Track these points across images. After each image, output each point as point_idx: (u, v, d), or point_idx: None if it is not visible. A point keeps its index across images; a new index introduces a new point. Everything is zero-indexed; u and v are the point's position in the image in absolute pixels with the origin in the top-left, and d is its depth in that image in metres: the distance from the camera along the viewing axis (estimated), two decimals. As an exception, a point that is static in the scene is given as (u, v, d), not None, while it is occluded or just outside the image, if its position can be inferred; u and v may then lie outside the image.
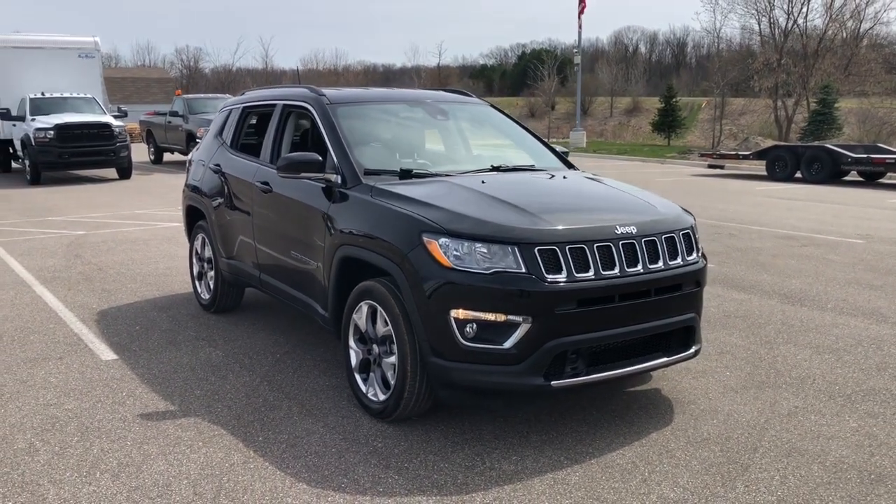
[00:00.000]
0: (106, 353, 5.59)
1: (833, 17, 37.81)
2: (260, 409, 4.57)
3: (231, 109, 6.61)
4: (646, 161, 27.25)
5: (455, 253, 3.91)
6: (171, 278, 7.99)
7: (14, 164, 20.45)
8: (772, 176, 19.97)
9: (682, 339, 4.41)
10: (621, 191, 4.83)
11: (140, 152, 25.20)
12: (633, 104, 67.91)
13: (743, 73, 40.29)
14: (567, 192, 4.77)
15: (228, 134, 6.44)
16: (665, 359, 4.32)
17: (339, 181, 4.73)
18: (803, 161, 19.34)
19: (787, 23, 39.18)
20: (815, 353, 5.62)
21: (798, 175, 19.53)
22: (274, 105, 5.83)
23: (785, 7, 38.96)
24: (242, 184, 5.87)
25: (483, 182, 4.59)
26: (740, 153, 22.82)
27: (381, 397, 4.32)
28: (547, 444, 4.12)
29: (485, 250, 3.89)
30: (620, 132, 54.25)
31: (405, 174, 4.72)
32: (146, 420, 4.42)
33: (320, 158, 4.79)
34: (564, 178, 5.03)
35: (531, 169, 5.22)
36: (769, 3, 39.11)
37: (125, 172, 19.01)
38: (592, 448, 4.07)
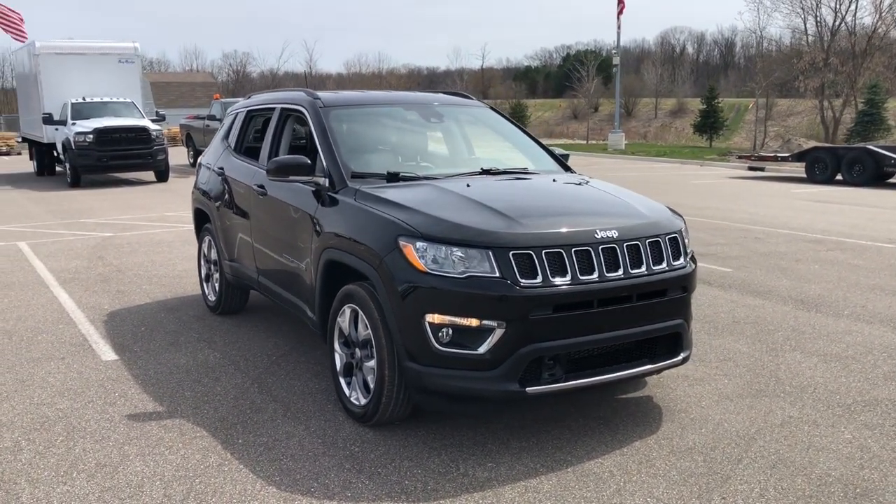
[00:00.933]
0: (107, 354, 5.68)
1: (882, 14, 36.75)
2: (245, 412, 4.59)
3: (237, 113, 6.66)
4: (685, 163, 26.81)
5: (431, 257, 3.88)
6: (185, 280, 8.09)
7: (58, 168, 20.97)
8: (811, 178, 19.48)
9: (669, 345, 4.30)
10: (608, 194, 4.73)
11: (182, 155, 25.67)
12: (679, 105, 67.02)
13: (788, 74, 39.36)
14: (552, 196, 4.69)
15: (233, 137, 6.50)
16: (650, 366, 4.23)
17: (327, 184, 4.72)
18: (844, 163, 18.84)
19: (834, 21, 38.25)
20: (821, 361, 5.45)
21: (839, 177, 19.03)
22: (273, 108, 5.87)
23: (832, 5, 38.02)
24: (242, 187, 5.92)
25: (468, 185, 4.54)
26: (779, 155, 22.31)
27: (363, 401, 4.30)
28: (525, 450, 4.06)
29: (461, 254, 3.85)
30: (663, 134, 53.54)
31: (392, 177, 4.70)
32: (132, 421, 4.47)
33: (308, 162, 4.79)
34: (553, 181, 4.95)
35: (523, 172, 5.15)
36: (816, 0, 38.19)
37: (162, 175, 19.40)
38: (571, 456, 4.00)
